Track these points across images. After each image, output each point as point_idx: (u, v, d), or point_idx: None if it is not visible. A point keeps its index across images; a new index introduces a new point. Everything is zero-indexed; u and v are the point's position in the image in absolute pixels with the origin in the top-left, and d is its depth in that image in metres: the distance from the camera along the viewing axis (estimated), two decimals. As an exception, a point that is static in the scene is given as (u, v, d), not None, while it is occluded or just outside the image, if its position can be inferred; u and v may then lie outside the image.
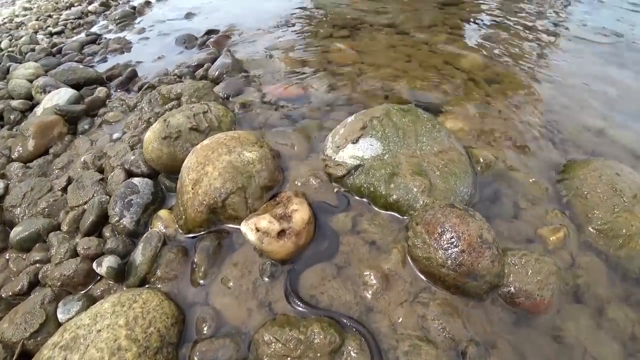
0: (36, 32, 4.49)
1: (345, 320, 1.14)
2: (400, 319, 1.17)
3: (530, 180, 1.70)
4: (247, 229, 1.27)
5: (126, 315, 1.13)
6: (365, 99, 2.27)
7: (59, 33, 4.62)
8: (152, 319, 1.14)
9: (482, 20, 3.66)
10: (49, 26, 4.82)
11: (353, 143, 1.56)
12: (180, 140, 1.70)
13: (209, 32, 3.32)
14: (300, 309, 1.18)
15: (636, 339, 1.25)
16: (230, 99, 2.26)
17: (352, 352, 1.08)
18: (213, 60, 2.66)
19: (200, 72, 2.56)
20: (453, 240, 1.20)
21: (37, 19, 4.97)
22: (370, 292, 1.22)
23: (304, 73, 2.56)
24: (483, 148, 1.83)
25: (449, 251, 1.19)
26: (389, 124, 1.60)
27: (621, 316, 1.28)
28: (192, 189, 1.42)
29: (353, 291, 1.23)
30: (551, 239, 1.47)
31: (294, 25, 3.44)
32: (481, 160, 1.70)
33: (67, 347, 1.11)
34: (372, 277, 1.23)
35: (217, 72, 2.44)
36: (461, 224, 1.22)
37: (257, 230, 1.26)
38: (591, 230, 1.52)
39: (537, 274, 1.25)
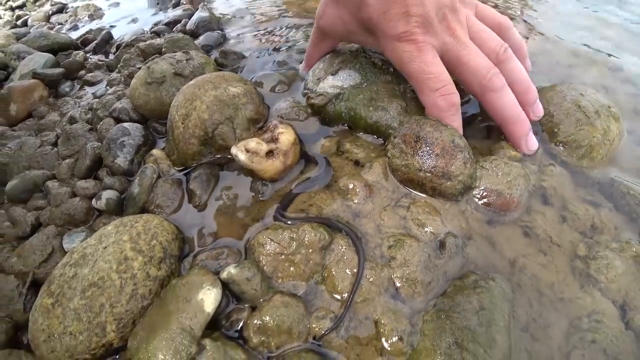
0: (-4, 7, 4.31)
1: (333, 223, 1.25)
2: (384, 221, 1.30)
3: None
4: (237, 150, 1.34)
5: (129, 232, 1.21)
6: (344, 44, 2.32)
7: (20, 7, 4.43)
8: (154, 234, 1.23)
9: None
10: (8, 0, 4.61)
11: (332, 75, 1.63)
12: (165, 85, 1.74)
13: (183, -8, 3.25)
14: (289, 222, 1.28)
15: (595, 228, 1.41)
16: (212, 51, 2.28)
17: (341, 248, 1.19)
18: (189, 16, 2.64)
19: (178, 27, 2.55)
20: (427, 145, 1.31)
21: (-6, -6, 4.74)
22: (355, 200, 1.33)
23: (283, 24, 2.58)
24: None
25: (424, 155, 1.30)
26: (364, 57, 1.67)
27: (582, 210, 1.44)
28: (182, 123, 1.48)
29: (340, 201, 1.34)
30: (512, 153, 1.59)
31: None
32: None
33: (76, 264, 1.19)
34: (356, 188, 1.34)
35: (195, 26, 2.43)
36: (434, 131, 1.33)
37: (247, 151, 1.34)
38: (556, 143, 1.65)
39: (507, 175, 1.37)
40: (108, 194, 1.42)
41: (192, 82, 1.61)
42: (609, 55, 2.46)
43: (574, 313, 1.14)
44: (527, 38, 2.48)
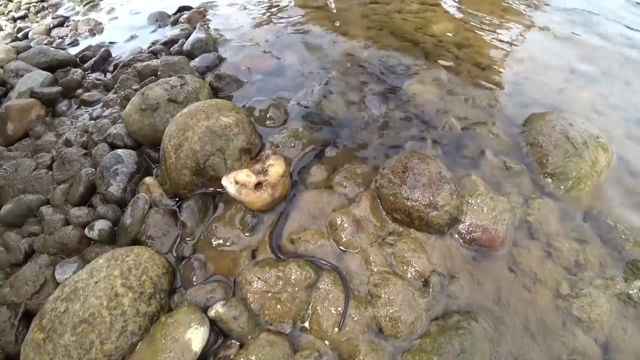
0: (-3, 18, 4.35)
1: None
2: (371, 257, 1.32)
3: (492, 134, 1.83)
4: (227, 182, 1.37)
5: (120, 267, 1.24)
6: (337, 67, 2.35)
7: (22, 18, 4.46)
8: (145, 269, 1.25)
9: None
10: (10, 11, 4.63)
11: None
12: (159, 111, 1.77)
13: (182, 9, 3.29)
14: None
15: (580, 264, 1.43)
16: (207, 73, 2.30)
17: (327, 286, 1.21)
18: (187, 36, 2.67)
19: (175, 47, 2.58)
20: (415, 175, 1.35)
21: (-4, 4, 4.77)
22: (343, 236, 1.35)
23: (278, 44, 2.61)
24: (452, 115, 1.94)
25: (412, 185, 1.34)
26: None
27: (567, 246, 1.46)
28: (175, 153, 1.51)
29: (328, 236, 1.36)
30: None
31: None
32: (448, 126, 1.83)
33: (67, 299, 1.21)
34: (344, 223, 1.36)
35: (191, 47, 2.46)
36: (422, 163, 1.37)
37: (236, 182, 1.36)
38: (545, 174, 1.67)
39: (492, 210, 1.40)
40: (100, 225, 1.44)
41: (185, 110, 1.64)
42: (599, 80, 2.50)
43: (556, 352, 1.16)
44: (520, 62, 2.51)
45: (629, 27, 3.16)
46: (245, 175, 1.35)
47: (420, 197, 1.35)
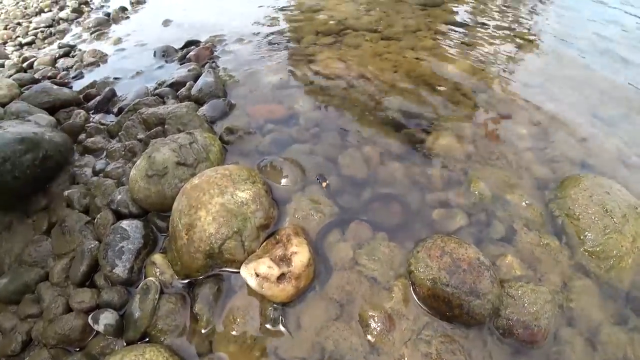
0: (5, 43, 4.26)
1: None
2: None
3: (525, 203, 1.71)
4: (247, 274, 1.25)
5: (129, 381, 1.11)
6: (352, 115, 2.24)
7: (29, 44, 4.37)
8: (156, 381, 1.12)
9: (465, 22, 3.63)
10: (18, 36, 4.55)
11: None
12: (167, 177, 1.64)
13: (189, 44, 3.19)
14: None
15: (628, 359, 1.30)
16: (216, 122, 2.19)
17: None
18: (195, 78, 2.56)
19: (183, 91, 2.47)
20: (453, 260, 1.26)
21: (5, 28, 4.70)
22: (375, 334, 1.22)
23: (290, 88, 2.51)
24: (478, 177, 1.82)
25: (451, 270, 1.24)
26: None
27: (614, 337, 1.33)
28: (186, 234, 1.38)
29: (358, 334, 1.23)
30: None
31: (275, 33, 3.34)
32: (477, 192, 1.73)
33: (69, 418, 1.08)
34: (376, 318, 1.23)
35: (200, 93, 2.35)
36: (459, 247, 1.28)
37: (257, 275, 1.24)
38: (583, 252, 1.55)
39: (533, 304, 1.27)
40: (106, 318, 1.30)
41: (196, 181, 1.51)
42: (624, 126, 2.39)
43: None
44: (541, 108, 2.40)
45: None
46: (267, 267, 1.23)
47: (461, 284, 1.24)
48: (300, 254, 1.29)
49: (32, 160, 1.83)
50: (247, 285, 1.27)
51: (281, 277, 1.26)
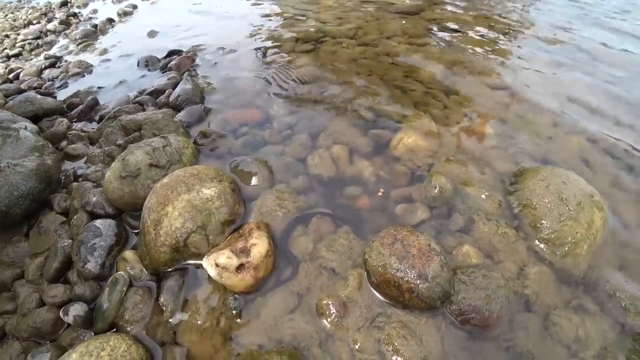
0: (-8, 55, 4.36)
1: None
2: (359, 345, 1.25)
3: (484, 195, 1.79)
4: (208, 265, 1.32)
5: (93, 365, 1.17)
6: (324, 119, 2.33)
7: (16, 55, 4.48)
8: (120, 366, 1.18)
9: (441, 29, 3.78)
10: (5, 48, 4.66)
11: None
12: (140, 178, 1.72)
13: (171, 53, 3.30)
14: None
15: (580, 341, 1.37)
16: (192, 127, 2.28)
17: (312, 380, 1.15)
18: (174, 86, 2.66)
19: (162, 99, 2.56)
20: (404, 246, 1.33)
21: (-7, 41, 4.80)
22: (329, 321, 1.29)
23: (265, 93, 2.61)
24: (440, 173, 1.90)
25: (401, 256, 1.31)
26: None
27: (566, 320, 1.40)
28: (154, 229, 1.46)
29: (314, 323, 1.30)
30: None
31: (256, 41, 3.46)
32: (438, 187, 1.79)
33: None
34: (331, 307, 1.31)
35: (178, 99, 2.45)
36: (411, 235, 1.35)
37: (217, 265, 1.31)
38: (539, 239, 1.63)
39: (484, 289, 1.35)
40: (76, 310, 1.37)
41: (165, 180, 1.59)
42: (587, 124, 2.50)
43: None
44: (507, 107, 2.51)
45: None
46: (226, 258, 1.30)
47: (410, 268, 1.31)
48: (259, 246, 1.36)
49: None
50: (209, 276, 1.34)
51: (240, 268, 1.33)
